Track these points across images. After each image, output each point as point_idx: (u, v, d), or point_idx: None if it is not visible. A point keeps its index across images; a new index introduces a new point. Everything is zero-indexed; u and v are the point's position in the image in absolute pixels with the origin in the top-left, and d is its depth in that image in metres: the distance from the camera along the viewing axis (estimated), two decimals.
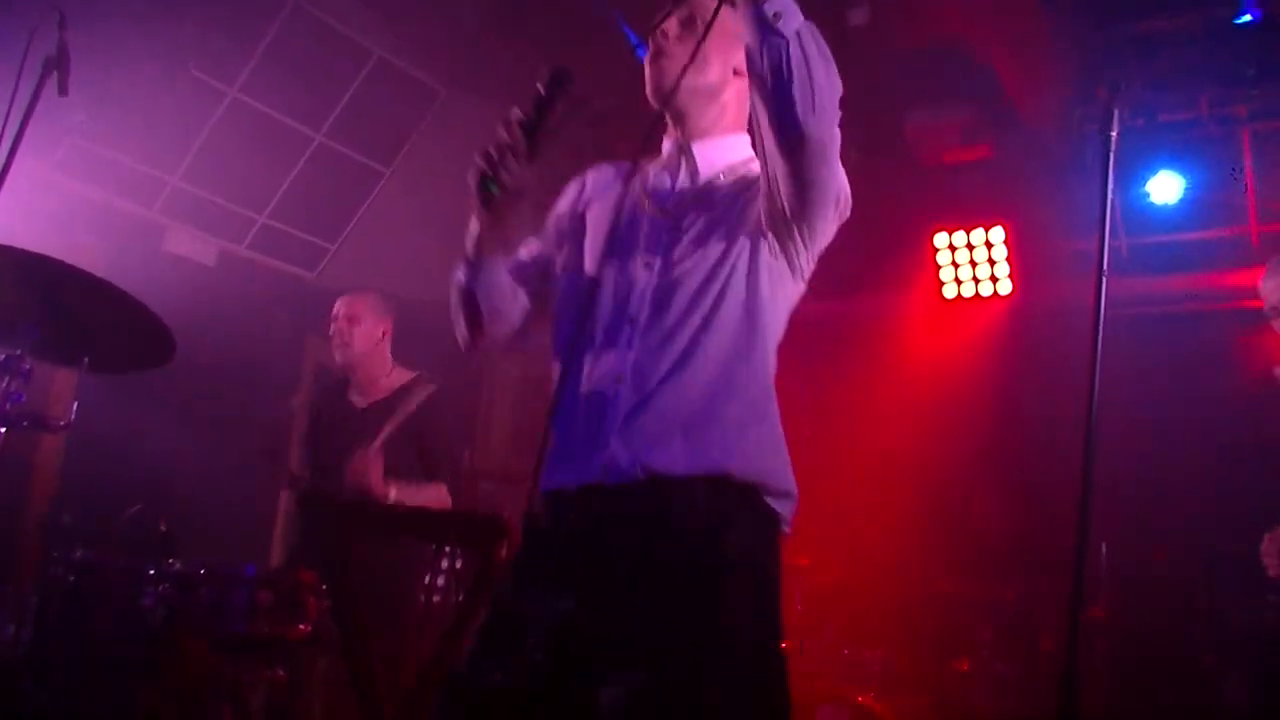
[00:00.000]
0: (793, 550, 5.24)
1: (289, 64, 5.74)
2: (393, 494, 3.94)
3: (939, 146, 6.35)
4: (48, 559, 3.38)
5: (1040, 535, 5.45)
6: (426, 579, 4.43)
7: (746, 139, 2.11)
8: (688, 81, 2.01)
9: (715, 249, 1.97)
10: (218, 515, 5.48)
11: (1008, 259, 6.39)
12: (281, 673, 3.42)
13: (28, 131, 2.83)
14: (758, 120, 1.86)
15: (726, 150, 2.11)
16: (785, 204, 1.90)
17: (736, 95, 2.11)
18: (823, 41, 1.83)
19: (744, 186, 2.03)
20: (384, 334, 4.43)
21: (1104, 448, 2.11)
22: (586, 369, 1.94)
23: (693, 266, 1.95)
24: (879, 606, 5.58)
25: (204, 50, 5.53)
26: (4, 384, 2.93)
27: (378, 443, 3.94)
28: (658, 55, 2.06)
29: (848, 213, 2.07)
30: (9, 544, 5.17)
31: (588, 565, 1.85)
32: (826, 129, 1.81)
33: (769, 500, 1.94)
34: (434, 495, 4.11)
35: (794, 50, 1.78)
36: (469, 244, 2.08)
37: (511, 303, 2.13)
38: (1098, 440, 2.07)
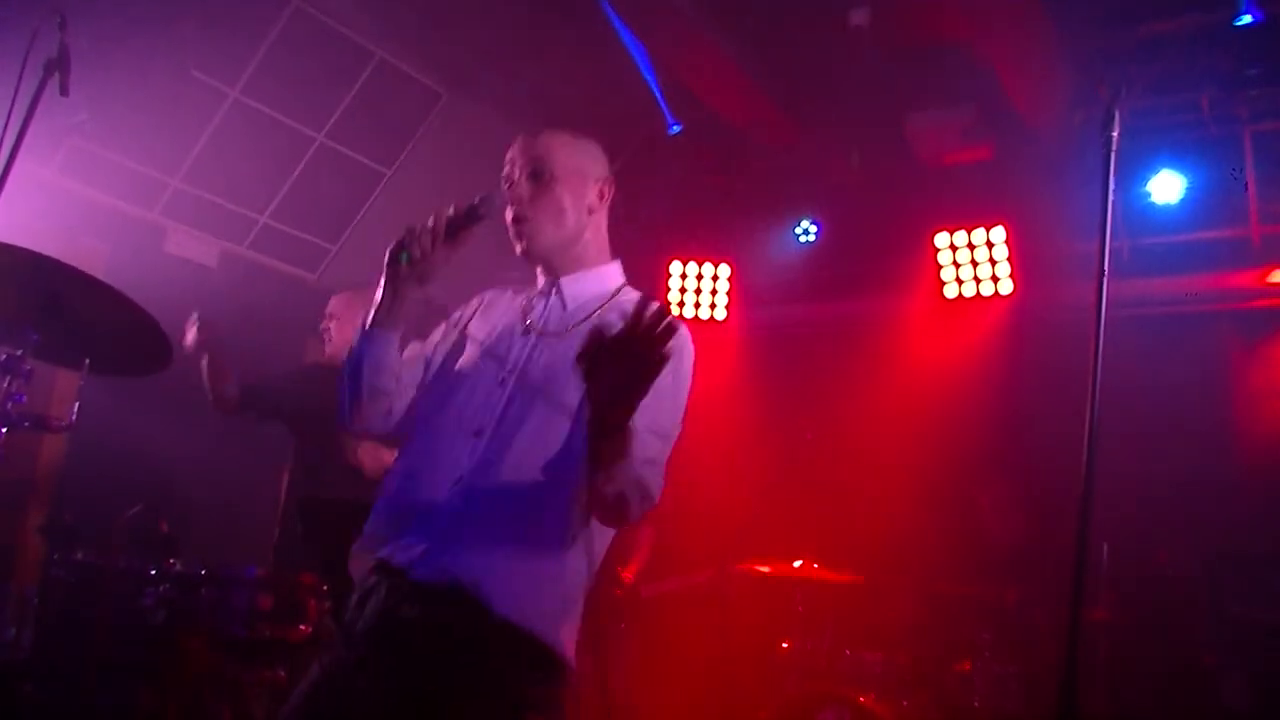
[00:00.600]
0: (793, 551, 5.24)
1: (291, 65, 5.75)
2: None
3: (940, 147, 6.34)
4: (49, 560, 3.38)
5: (1041, 535, 5.45)
6: None
7: (614, 267, 2.32)
8: (550, 240, 2.22)
9: (563, 394, 2.08)
10: (219, 516, 5.49)
11: (1009, 259, 6.38)
12: (282, 674, 3.42)
13: (29, 133, 2.83)
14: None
15: (594, 281, 2.28)
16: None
17: (594, 229, 2.30)
18: (641, 484, 1.95)
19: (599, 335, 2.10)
20: None
21: (1105, 448, 2.11)
22: (428, 467, 2.08)
23: (540, 401, 2.09)
24: (880, 607, 5.58)
25: (206, 51, 5.53)
26: (6, 385, 2.93)
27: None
28: (519, 220, 2.20)
29: None
30: (10, 544, 5.18)
31: (377, 642, 1.98)
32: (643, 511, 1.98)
33: (543, 666, 2.02)
34: None
35: (615, 508, 1.94)
36: (368, 315, 2.17)
37: (393, 385, 2.22)
38: (1099, 440, 2.07)
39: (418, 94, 6.39)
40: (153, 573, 3.24)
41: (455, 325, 2.36)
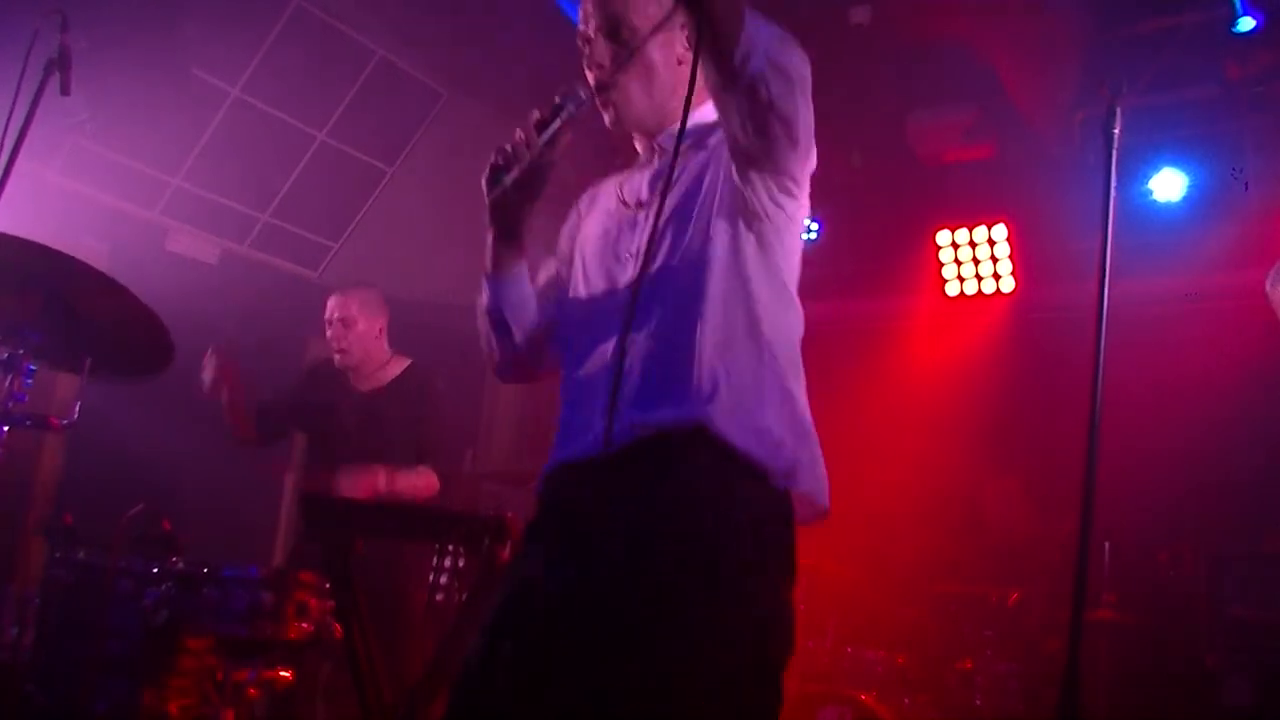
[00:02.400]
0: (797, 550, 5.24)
1: (292, 64, 5.75)
2: (382, 480, 3.96)
3: (941, 145, 6.34)
4: (50, 559, 3.38)
5: (1043, 533, 5.45)
6: (429, 578, 4.44)
7: (708, 107, 2.03)
8: (642, 105, 2.02)
9: (690, 227, 1.91)
10: (220, 515, 5.48)
11: (1010, 256, 6.39)
12: (284, 673, 3.42)
13: (30, 133, 2.83)
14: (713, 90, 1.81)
15: (695, 127, 2.02)
16: (750, 150, 1.84)
17: (684, 76, 2.00)
18: (784, 39, 1.77)
19: (704, 154, 1.99)
20: (380, 330, 4.45)
21: (1106, 446, 2.11)
22: (582, 365, 1.94)
23: (670, 251, 1.91)
24: (882, 606, 5.58)
25: (207, 50, 5.53)
26: (7, 383, 2.93)
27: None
28: (604, 88, 2.00)
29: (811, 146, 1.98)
30: (11, 544, 5.18)
31: (575, 536, 1.83)
32: (798, 110, 1.80)
33: (767, 478, 1.85)
34: (424, 481, 4.14)
35: (762, 89, 1.73)
36: (487, 258, 2.04)
37: (538, 318, 2.09)
38: (1100, 439, 2.07)
39: (419, 92, 6.38)
40: (154, 572, 3.24)
41: (569, 237, 2.17)
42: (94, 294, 3.00)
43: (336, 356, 4.42)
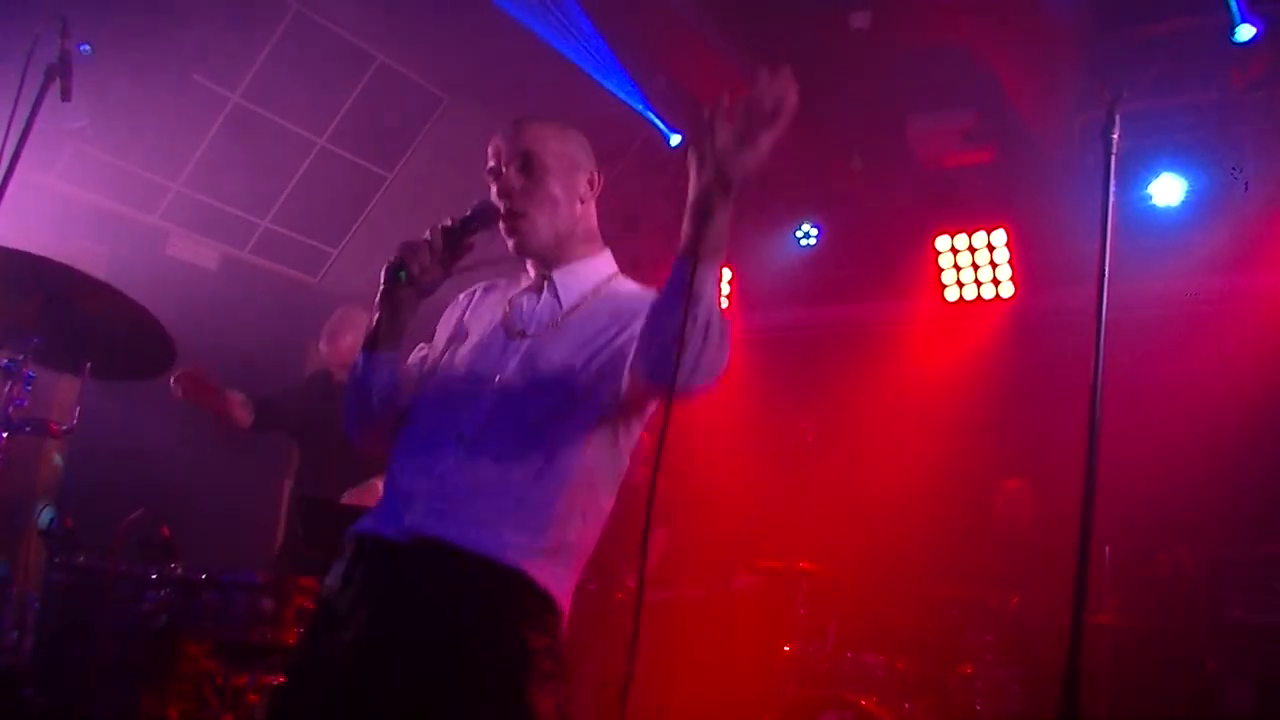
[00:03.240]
0: (796, 554, 5.24)
1: (291, 70, 5.76)
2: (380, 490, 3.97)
3: (941, 150, 6.35)
4: (49, 564, 3.38)
5: (1045, 537, 5.44)
6: None
7: (606, 256, 2.25)
8: (545, 234, 2.15)
9: (551, 392, 2.03)
10: (219, 520, 5.48)
11: (1010, 261, 6.39)
12: (283, 678, 3.42)
13: (31, 138, 2.83)
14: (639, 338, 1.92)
15: (588, 272, 2.20)
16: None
17: (586, 219, 2.23)
18: (721, 316, 1.83)
19: (602, 329, 2.08)
20: None
21: (1106, 451, 2.11)
22: (409, 468, 2.06)
23: (532, 392, 2.03)
24: (882, 610, 5.57)
25: (207, 56, 5.54)
26: (7, 389, 2.93)
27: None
28: (512, 215, 2.13)
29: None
30: (11, 548, 5.18)
31: (371, 614, 1.95)
32: (705, 381, 1.85)
33: (537, 610, 1.98)
34: None
35: (713, 333, 1.80)
36: (371, 333, 2.14)
37: (402, 401, 2.19)
38: (1100, 443, 2.07)
39: (419, 98, 6.39)
40: (154, 577, 3.24)
41: (448, 325, 2.31)
42: (94, 300, 3.01)
43: (334, 369, 4.43)
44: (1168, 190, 5.73)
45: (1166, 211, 5.76)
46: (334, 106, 6.14)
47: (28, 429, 3.01)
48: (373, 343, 2.14)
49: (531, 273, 2.23)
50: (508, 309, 2.20)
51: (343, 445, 4.25)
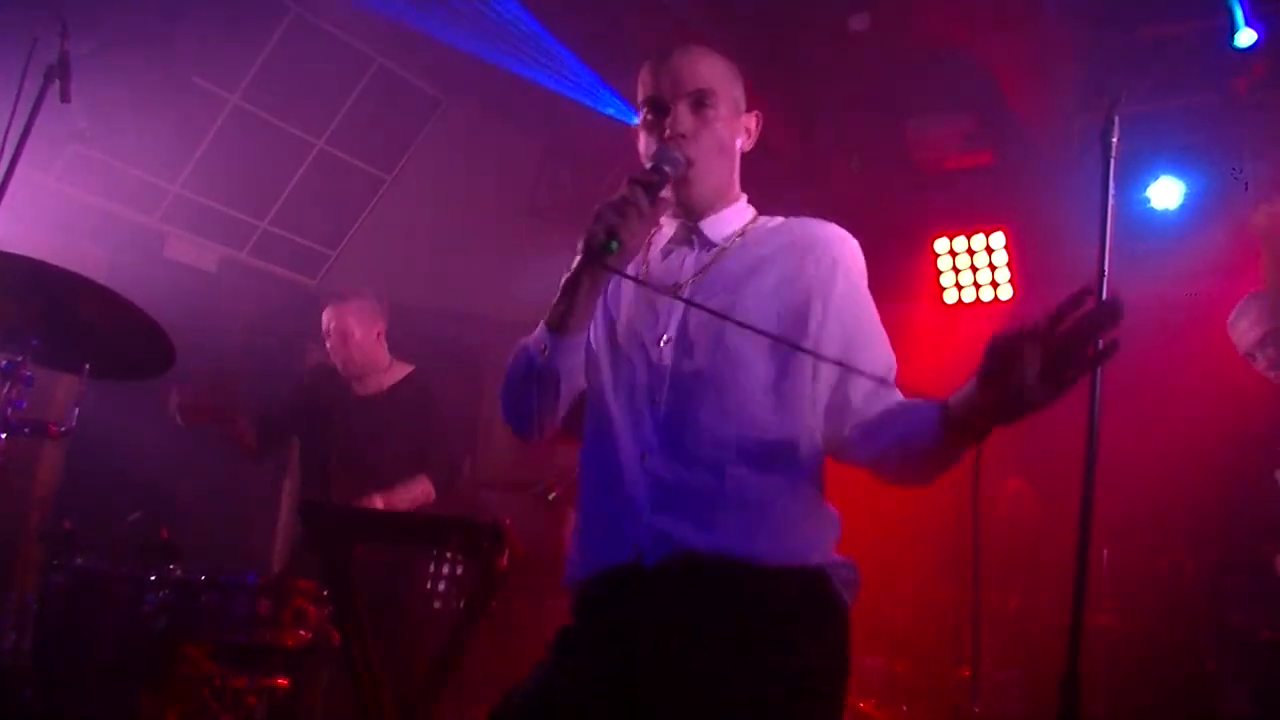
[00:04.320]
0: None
1: (290, 71, 5.75)
2: (379, 504, 3.96)
3: (940, 152, 6.35)
4: (48, 565, 3.38)
5: (1046, 538, 5.45)
6: (428, 585, 4.44)
7: (744, 200, 2.08)
8: (713, 184, 1.98)
9: (730, 340, 1.86)
10: (218, 522, 5.48)
11: (1008, 264, 6.39)
12: (282, 680, 3.42)
13: (30, 140, 2.83)
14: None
15: (732, 220, 2.03)
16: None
17: (738, 162, 2.06)
18: None
19: (752, 262, 1.96)
20: (378, 335, 4.45)
21: (1105, 453, 2.11)
22: (613, 461, 1.87)
23: (707, 354, 1.86)
24: (881, 613, 5.57)
25: (206, 58, 5.54)
26: (5, 390, 2.93)
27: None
28: (687, 164, 1.91)
29: None
30: (10, 550, 5.17)
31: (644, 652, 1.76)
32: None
33: (836, 587, 1.86)
34: (420, 493, 4.13)
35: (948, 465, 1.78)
36: (560, 313, 1.86)
37: (582, 381, 1.98)
38: (1099, 446, 2.07)
39: (417, 100, 6.39)
40: (153, 579, 3.24)
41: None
42: (93, 303, 3.01)
43: (338, 365, 4.42)
44: (1167, 193, 5.74)
45: (1166, 214, 5.77)
46: (333, 108, 6.14)
47: (26, 430, 3.01)
48: (562, 326, 1.85)
49: (671, 225, 2.03)
50: (645, 269, 2.00)
51: (345, 439, 4.27)
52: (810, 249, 1.99)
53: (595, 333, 2.00)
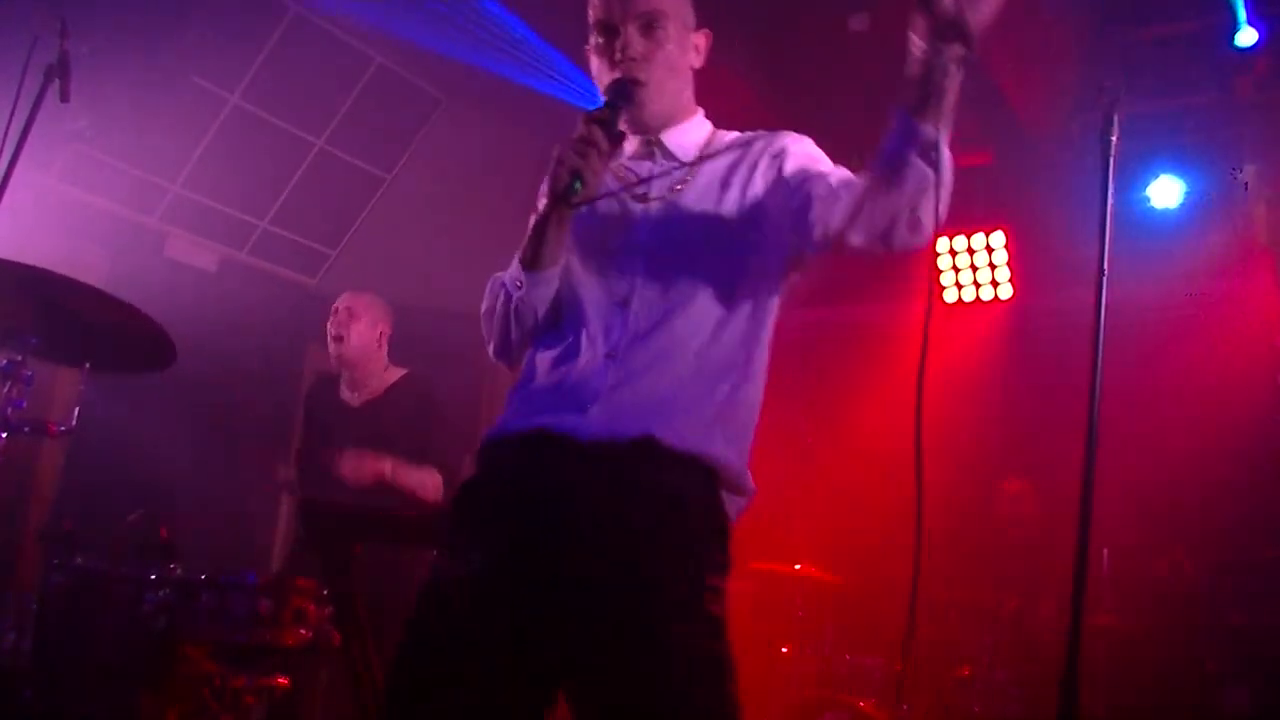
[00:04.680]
0: (794, 556, 5.24)
1: (290, 71, 5.75)
2: (388, 468, 3.95)
3: None
4: (48, 565, 3.38)
5: (1046, 538, 5.45)
6: None
7: (700, 114, 2.12)
8: (666, 103, 2.02)
9: (702, 236, 1.94)
10: (218, 521, 5.48)
11: (1008, 264, 6.39)
12: (282, 680, 3.42)
13: (30, 139, 2.83)
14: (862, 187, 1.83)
15: (691, 132, 2.08)
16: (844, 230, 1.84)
17: (691, 77, 2.10)
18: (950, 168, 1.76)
19: (728, 179, 2.00)
20: (381, 335, 4.42)
21: (1104, 453, 2.11)
22: (575, 348, 1.92)
23: (679, 260, 1.93)
24: (880, 613, 5.57)
25: (206, 57, 5.54)
26: (5, 390, 2.93)
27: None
28: (636, 83, 1.96)
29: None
30: (9, 550, 5.17)
31: (543, 519, 1.81)
32: (926, 240, 1.79)
33: (731, 494, 1.93)
34: (430, 480, 4.12)
35: (941, 190, 1.73)
36: (532, 251, 1.94)
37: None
38: (1098, 445, 2.07)
39: (417, 99, 6.39)
40: (152, 578, 3.24)
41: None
42: (92, 305, 3.01)
43: (331, 348, 4.37)
44: (1166, 192, 5.74)
45: (1165, 214, 5.77)
46: (332, 108, 6.14)
47: (26, 430, 3.01)
48: (535, 261, 1.92)
49: (630, 143, 2.06)
50: (623, 175, 2.04)
51: (345, 450, 4.25)
52: (764, 142, 2.04)
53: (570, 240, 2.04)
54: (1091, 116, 5.77)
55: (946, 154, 1.71)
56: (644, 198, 2.00)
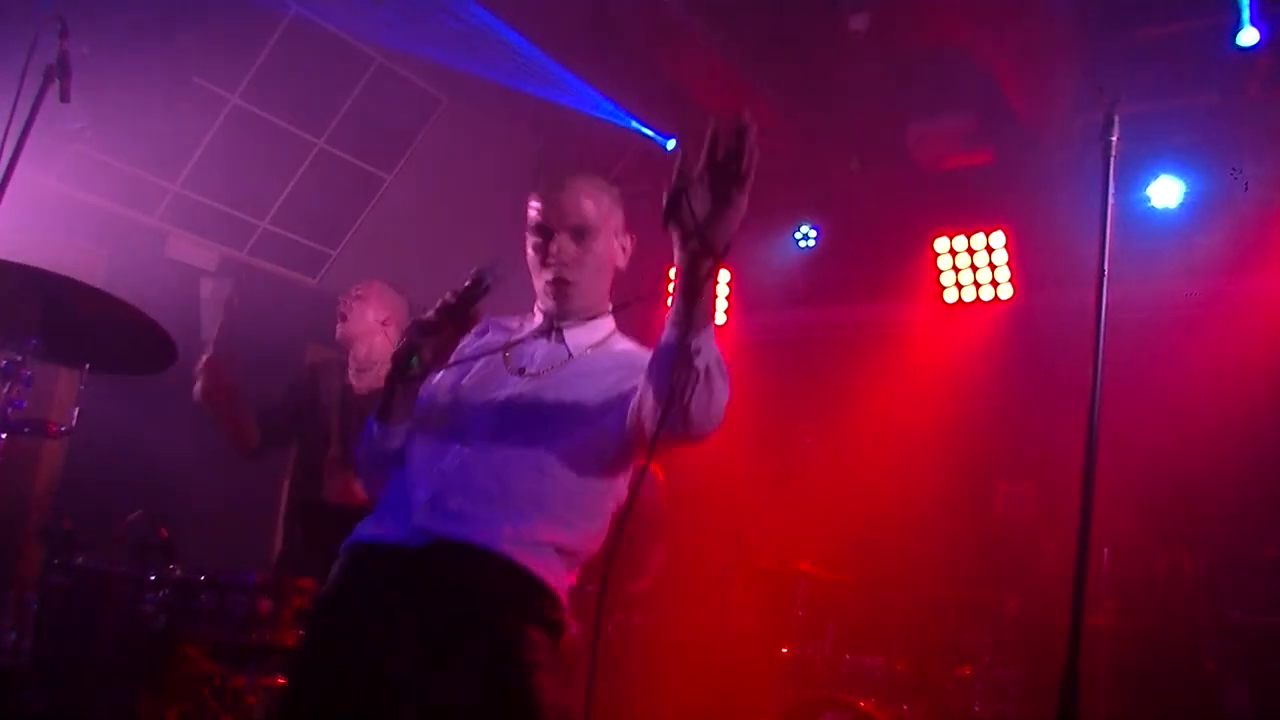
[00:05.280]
0: (796, 555, 5.24)
1: (290, 71, 5.76)
2: None
3: (940, 152, 6.35)
4: (48, 565, 3.38)
5: (1045, 538, 5.45)
6: None
7: (609, 317, 2.31)
8: (589, 299, 2.22)
9: (555, 409, 2.11)
10: (218, 521, 5.48)
11: (1008, 263, 6.39)
12: (282, 680, 3.42)
13: (30, 139, 2.83)
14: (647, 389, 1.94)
15: (593, 331, 2.25)
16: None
17: (613, 275, 2.30)
18: (723, 365, 1.87)
19: (605, 374, 2.15)
20: (385, 320, 4.40)
21: (1105, 452, 2.11)
22: (420, 458, 2.12)
23: (525, 431, 2.09)
24: (881, 612, 5.57)
25: (206, 58, 5.54)
26: (5, 390, 2.93)
27: None
28: (564, 283, 2.17)
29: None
30: (9, 550, 5.17)
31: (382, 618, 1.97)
32: (711, 426, 1.91)
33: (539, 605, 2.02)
34: None
35: (700, 386, 1.83)
36: (383, 409, 2.19)
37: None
38: (1099, 445, 2.07)
39: (417, 99, 6.39)
40: (152, 578, 3.23)
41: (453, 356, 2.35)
42: (92, 305, 3.00)
43: (337, 329, 4.36)
44: (1167, 192, 5.74)
45: (1165, 213, 5.77)
46: (333, 108, 6.14)
47: (26, 430, 3.01)
48: (386, 414, 2.18)
49: (539, 318, 2.28)
50: (508, 352, 2.24)
51: (341, 430, 4.24)
52: (644, 361, 2.10)
53: (435, 386, 2.25)
54: (1091, 116, 5.79)
55: (711, 351, 1.82)
56: (521, 371, 2.19)
